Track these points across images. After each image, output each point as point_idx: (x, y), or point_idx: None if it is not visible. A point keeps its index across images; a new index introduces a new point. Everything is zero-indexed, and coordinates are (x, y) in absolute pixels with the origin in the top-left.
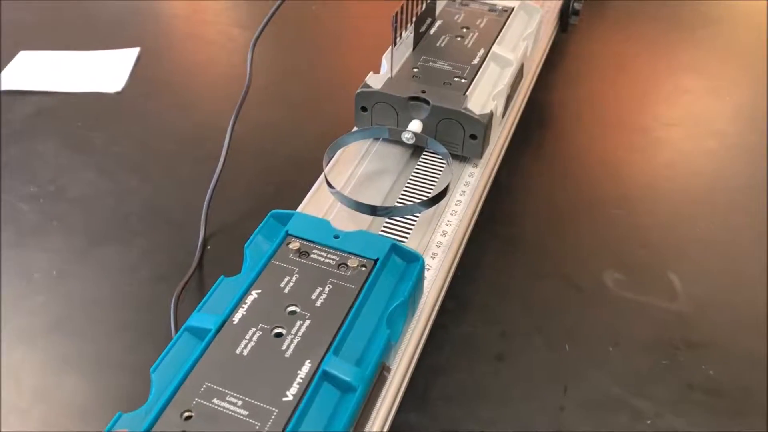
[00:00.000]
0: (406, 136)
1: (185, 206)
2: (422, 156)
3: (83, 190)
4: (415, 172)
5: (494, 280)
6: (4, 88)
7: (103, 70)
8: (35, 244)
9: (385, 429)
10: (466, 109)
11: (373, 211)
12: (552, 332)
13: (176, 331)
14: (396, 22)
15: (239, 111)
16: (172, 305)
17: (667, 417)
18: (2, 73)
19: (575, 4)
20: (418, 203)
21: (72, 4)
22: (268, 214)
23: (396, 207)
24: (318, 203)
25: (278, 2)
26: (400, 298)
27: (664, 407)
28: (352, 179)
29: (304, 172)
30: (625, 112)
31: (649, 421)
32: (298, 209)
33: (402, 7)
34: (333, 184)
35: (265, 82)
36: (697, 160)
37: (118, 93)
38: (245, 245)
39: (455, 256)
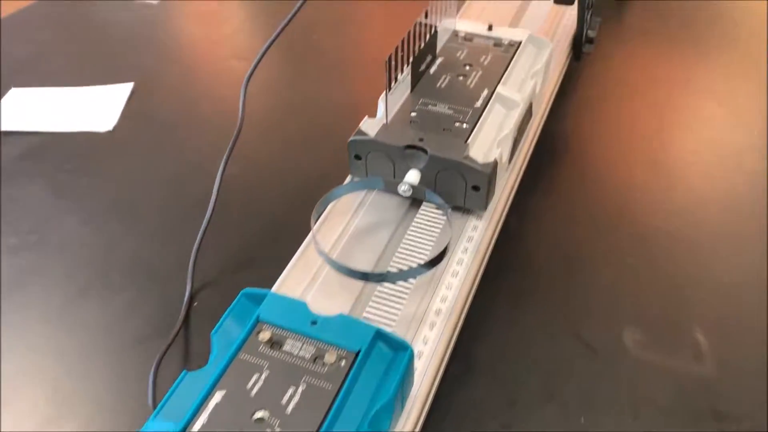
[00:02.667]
0: (402, 189)
1: (172, 256)
2: (422, 207)
3: (65, 240)
4: (414, 227)
5: (502, 339)
6: None
7: (94, 108)
8: (7, 305)
9: None
10: (467, 158)
11: (364, 277)
12: (566, 400)
13: (154, 407)
14: (391, 63)
15: (230, 153)
16: (151, 378)
17: None
18: None
19: (590, 32)
20: (414, 268)
21: (66, 36)
22: (240, 294)
23: (389, 273)
24: (307, 263)
25: (274, 35)
26: (385, 397)
27: None
28: (345, 234)
29: (300, 216)
30: (641, 145)
31: None
32: (286, 269)
33: (398, 47)
34: (323, 239)
35: (261, 117)
36: (721, 199)
37: (109, 132)
38: (212, 332)
39: (456, 325)
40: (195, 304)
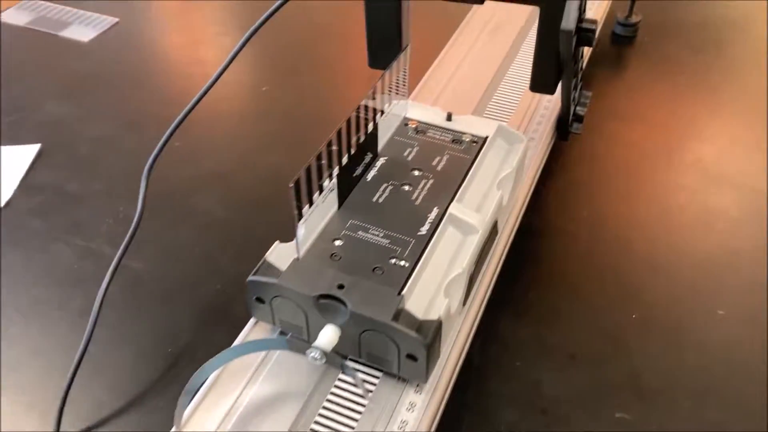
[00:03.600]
0: (312, 355)
1: (38, 388)
2: (338, 378)
3: None
4: (329, 401)
5: None
6: None
7: None
8: None
9: None
10: (400, 317)
11: None
12: None
13: None
14: (303, 181)
15: (125, 252)
16: None
17: None
18: None
19: (579, 110)
20: None
21: None
22: None
23: None
24: None
25: (181, 115)
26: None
27: None
28: (235, 412)
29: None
30: (632, 247)
31: None
32: None
33: (321, 152)
34: (205, 422)
35: (169, 195)
36: (725, 328)
37: (1, 208)
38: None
39: None
40: None
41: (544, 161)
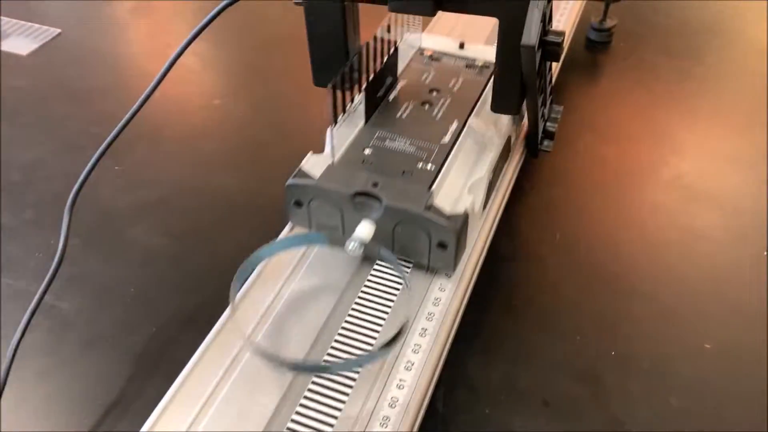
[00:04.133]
0: (350, 247)
1: None
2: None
3: None
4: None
5: None
6: None
7: None
8: None
9: None
10: (430, 209)
11: (295, 368)
12: None
13: None
14: (337, 87)
15: (45, 293)
16: None
17: None
18: None
19: (549, 126)
20: (360, 356)
21: None
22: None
23: (327, 363)
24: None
25: (110, 138)
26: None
27: None
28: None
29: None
30: (609, 273)
31: None
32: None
33: (351, 66)
34: (246, 315)
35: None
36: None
37: None
38: None
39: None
40: None
41: (514, 179)
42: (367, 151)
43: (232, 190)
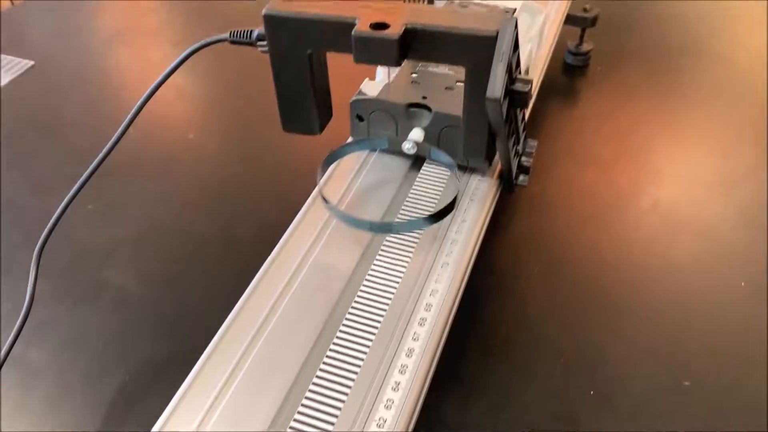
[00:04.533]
0: (407, 146)
1: None
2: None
3: None
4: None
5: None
6: None
7: None
8: None
9: None
10: None
11: (371, 227)
12: None
13: None
14: None
15: (12, 345)
16: None
17: None
18: None
19: (524, 161)
20: (422, 219)
21: None
22: None
23: (396, 223)
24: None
25: (80, 182)
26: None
27: None
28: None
29: None
30: (587, 308)
31: None
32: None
33: None
34: (328, 199)
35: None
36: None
37: None
38: None
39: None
40: None
41: (490, 214)
42: (414, 75)
43: (204, 228)
